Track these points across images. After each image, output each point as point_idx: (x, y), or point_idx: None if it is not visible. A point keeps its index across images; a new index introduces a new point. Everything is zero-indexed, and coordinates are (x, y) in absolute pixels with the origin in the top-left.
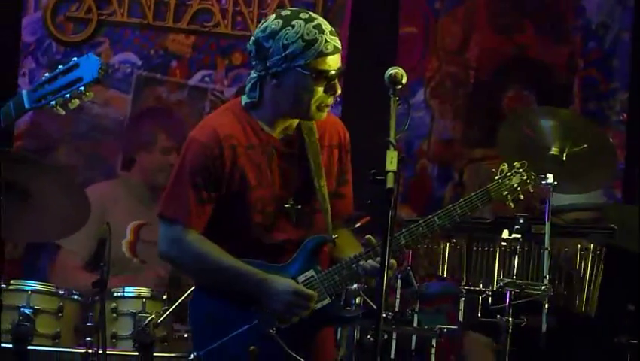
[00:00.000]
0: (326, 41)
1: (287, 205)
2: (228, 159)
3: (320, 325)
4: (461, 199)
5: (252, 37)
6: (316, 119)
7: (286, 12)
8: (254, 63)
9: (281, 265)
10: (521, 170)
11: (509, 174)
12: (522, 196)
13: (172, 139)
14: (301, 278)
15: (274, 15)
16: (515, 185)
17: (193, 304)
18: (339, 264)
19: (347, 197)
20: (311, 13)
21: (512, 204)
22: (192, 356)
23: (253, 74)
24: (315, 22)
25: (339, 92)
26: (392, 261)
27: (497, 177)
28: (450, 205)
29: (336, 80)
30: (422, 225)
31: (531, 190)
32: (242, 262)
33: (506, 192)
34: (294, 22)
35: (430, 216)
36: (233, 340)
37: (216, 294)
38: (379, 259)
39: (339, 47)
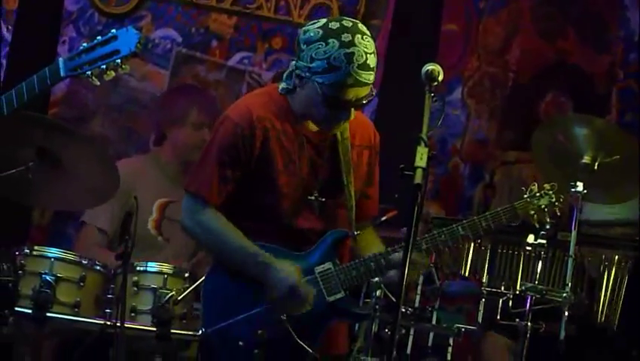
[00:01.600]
0: (349, 74)
1: (311, 197)
2: (258, 140)
3: (330, 318)
4: (487, 213)
5: (299, 31)
6: (325, 130)
7: (333, 25)
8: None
9: (301, 254)
10: (551, 192)
11: (538, 194)
12: (548, 219)
13: (204, 114)
14: (318, 269)
15: (324, 21)
16: (543, 206)
17: (208, 280)
18: (358, 260)
19: (373, 198)
20: (358, 35)
21: (537, 225)
22: (200, 332)
23: (292, 62)
24: (350, 50)
25: (351, 117)
26: (426, 260)
27: (525, 196)
28: (476, 217)
29: (352, 108)
30: (444, 233)
31: (559, 214)
32: (255, 245)
33: (533, 212)
34: (329, 41)
35: (454, 225)
36: (243, 321)
37: (231, 273)
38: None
39: (366, 82)
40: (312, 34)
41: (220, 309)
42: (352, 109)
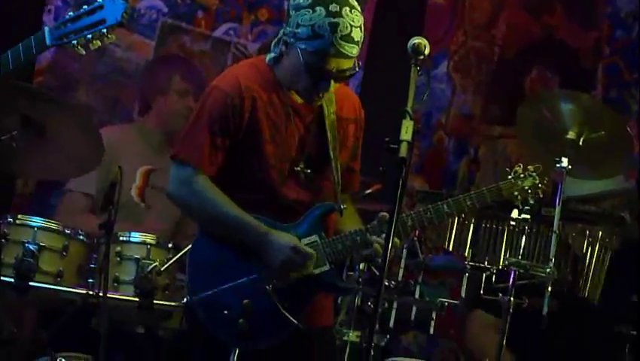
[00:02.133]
0: (331, 43)
1: (297, 168)
2: (247, 110)
3: (316, 291)
4: (472, 192)
5: None
6: (305, 101)
7: None
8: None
9: (288, 225)
10: (534, 173)
11: (522, 175)
12: (532, 201)
13: (187, 81)
14: (305, 241)
15: None
16: (526, 187)
17: (194, 248)
18: (344, 234)
19: (356, 172)
20: (345, 7)
21: (520, 205)
22: (185, 299)
23: (281, 31)
24: (335, 20)
25: (330, 89)
26: (396, 240)
27: (510, 177)
28: (461, 195)
29: (332, 80)
30: (430, 210)
31: (542, 195)
32: (248, 214)
33: (516, 193)
34: (317, 8)
35: (439, 203)
36: (229, 290)
37: (218, 242)
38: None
39: (348, 54)
40: (301, 1)
41: (206, 277)
42: (332, 81)
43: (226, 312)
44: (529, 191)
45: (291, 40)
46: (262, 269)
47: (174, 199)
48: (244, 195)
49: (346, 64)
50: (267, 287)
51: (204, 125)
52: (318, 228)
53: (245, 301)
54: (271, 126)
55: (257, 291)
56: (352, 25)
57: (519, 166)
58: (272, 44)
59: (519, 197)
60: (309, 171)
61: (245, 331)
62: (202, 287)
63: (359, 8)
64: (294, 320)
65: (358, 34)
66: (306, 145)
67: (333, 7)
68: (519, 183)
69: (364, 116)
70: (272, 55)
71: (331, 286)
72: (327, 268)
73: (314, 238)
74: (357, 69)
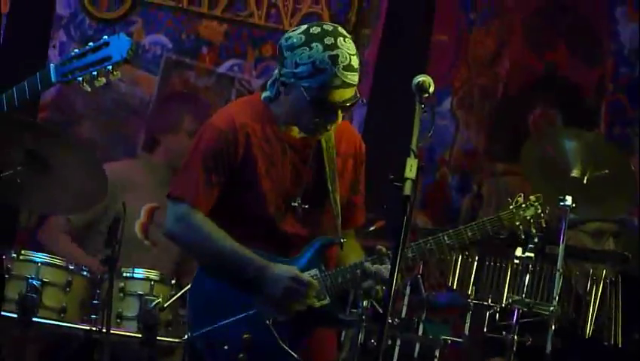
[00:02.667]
0: (335, 75)
1: (294, 203)
2: (242, 146)
3: (317, 324)
4: (473, 223)
5: (280, 40)
6: (311, 136)
7: (314, 30)
8: (277, 63)
9: (287, 260)
10: (537, 203)
11: (524, 205)
12: (534, 230)
13: (198, 122)
14: (305, 276)
15: (305, 27)
16: (528, 217)
17: (194, 285)
18: (344, 267)
19: (359, 207)
20: (339, 39)
21: (523, 236)
22: (186, 336)
23: (275, 71)
24: (334, 52)
25: (339, 120)
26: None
27: (511, 207)
28: (462, 227)
29: (339, 111)
30: (430, 242)
31: (544, 225)
32: (246, 248)
33: (518, 223)
34: (313, 45)
35: (440, 234)
36: (229, 325)
37: (218, 278)
38: (386, 265)
39: (351, 83)
40: (294, 40)
41: (206, 313)
42: (339, 112)
43: (226, 347)
44: (531, 221)
45: (291, 80)
46: (262, 303)
47: (171, 236)
48: (242, 230)
49: (349, 93)
50: (267, 322)
51: (198, 163)
52: (317, 261)
53: (246, 335)
54: (266, 161)
55: (257, 325)
56: (349, 54)
57: (520, 196)
58: (268, 84)
59: (520, 227)
60: (306, 206)
61: None
62: (202, 323)
63: (349, 36)
64: (294, 354)
65: (356, 62)
66: (303, 180)
67: (329, 40)
68: (521, 212)
69: (367, 152)
70: (267, 94)
71: (332, 319)
72: (327, 301)
73: (314, 271)
74: (358, 97)
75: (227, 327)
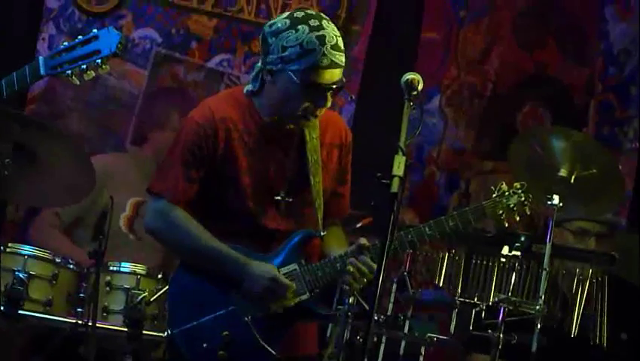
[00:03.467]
0: (323, 54)
1: (277, 197)
2: (222, 140)
3: (296, 319)
4: (455, 212)
5: (263, 28)
6: (299, 125)
7: (298, 14)
8: (260, 54)
9: (265, 255)
10: (520, 191)
11: (507, 193)
12: (518, 218)
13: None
14: (283, 270)
15: (287, 13)
16: (512, 205)
17: (174, 281)
18: (323, 261)
19: (344, 197)
20: (324, 21)
21: (506, 224)
22: (165, 333)
23: (257, 64)
24: (320, 33)
25: (328, 104)
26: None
27: (494, 195)
28: (442, 217)
29: (328, 93)
30: (411, 232)
31: (528, 212)
32: (226, 245)
33: (501, 212)
34: (299, 27)
35: (421, 225)
36: (208, 322)
37: (197, 274)
38: (362, 257)
39: (340, 63)
40: (279, 25)
41: (185, 310)
42: (329, 95)
43: (205, 344)
44: (514, 209)
45: (278, 66)
46: (241, 300)
47: (151, 232)
48: (222, 225)
49: (338, 74)
50: (246, 318)
51: (178, 158)
52: (297, 256)
53: (225, 332)
54: (248, 156)
55: (236, 322)
56: (335, 35)
57: (503, 184)
58: (251, 77)
59: (503, 216)
60: (289, 199)
61: None
62: (182, 319)
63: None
64: (272, 351)
65: (341, 43)
66: (286, 173)
67: (314, 22)
68: (504, 201)
69: (355, 148)
70: (250, 87)
71: (311, 313)
72: (306, 296)
73: (293, 266)
74: (344, 81)
75: (206, 324)
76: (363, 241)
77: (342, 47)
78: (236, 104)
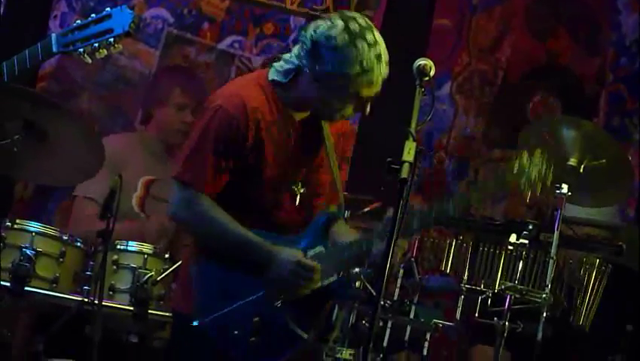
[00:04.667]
0: (380, 73)
1: (294, 187)
2: (252, 131)
3: (325, 301)
4: (477, 181)
5: (312, 35)
6: (329, 121)
7: (354, 26)
8: (300, 54)
9: (292, 239)
10: (541, 161)
11: (528, 163)
12: (539, 190)
13: (187, 96)
14: (310, 253)
15: (342, 23)
16: (533, 176)
17: (199, 270)
18: (349, 242)
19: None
20: (375, 31)
21: (527, 200)
22: (196, 322)
23: (293, 60)
24: (377, 50)
25: (367, 112)
26: (402, 242)
27: (516, 166)
28: (462, 193)
29: (369, 103)
30: (435, 208)
31: (549, 184)
32: (252, 232)
33: (523, 180)
34: (358, 44)
35: (442, 202)
36: (238, 310)
37: (223, 262)
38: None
39: (385, 77)
40: (338, 41)
41: (214, 299)
42: (368, 104)
43: (236, 332)
44: (536, 180)
45: (331, 78)
46: (269, 286)
47: (178, 221)
48: (239, 214)
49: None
50: (276, 303)
51: (209, 147)
52: (322, 238)
53: (256, 319)
54: (274, 147)
55: (266, 308)
56: (384, 49)
57: (524, 155)
58: (284, 68)
59: (525, 185)
60: (303, 190)
61: (258, 348)
62: (211, 308)
63: None
64: (303, 335)
65: (387, 53)
66: (303, 163)
67: (370, 37)
68: (526, 171)
69: (366, 134)
70: (279, 78)
71: (341, 294)
72: (334, 278)
73: (319, 248)
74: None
75: (236, 311)
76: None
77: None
78: (263, 93)
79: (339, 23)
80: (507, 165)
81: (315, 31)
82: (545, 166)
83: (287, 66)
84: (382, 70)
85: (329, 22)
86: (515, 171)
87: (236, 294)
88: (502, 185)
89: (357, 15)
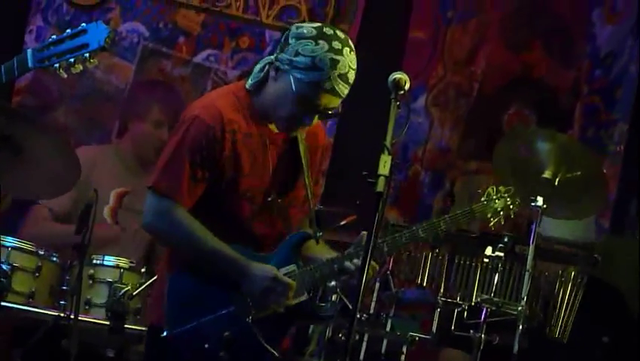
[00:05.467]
0: (329, 78)
1: (269, 198)
2: (228, 142)
3: (294, 320)
4: (447, 216)
5: (290, 29)
6: (282, 130)
7: (328, 30)
8: (277, 49)
9: (265, 255)
10: (506, 195)
11: (494, 197)
12: (502, 221)
13: (165, 113)
14: (282, 271)
15: (320, 24)
16: (499, 208)
17: (173, 281)
18: (321, 262)
19: (316, 196)
20: (346, 48)
21: (493, 228)
22: (165, 333)
23: (267, 57)
24: (337, 57)
25: (311, 124)
26: (374, 264)
27: (483, 199)
28: (435, 220)
29: (317, 116)
30: (405, 235)
31: (512, 216)
32: (227, 246)
33: (489, 215)
34: (320, 42)
35: (414, 227)
36: (209, 323)
37: (197, 274)
38: (357, 260)
39: (341, 93)
40: (304, 31)
41: (185, 311)
42: (316, 117)
43: (207, 345)
44: (501, 213)
45: (285, 66)
46: (242, 301)
47: (152, 231)
48: (215, 227)
49: (335, 102)
50: (247, 319)
51: (185, 157)
52: (295, 257)
53: (226, 333)
54: (250, 158)
55: (237, 323)
56: (350, 67)
57: (492, 188)
58: (258, 68)
59: (492, 218)
60: (280, 200)
61: None
62: (182, 320)
63: (354, 51)
64: (274, 352)
65: (352, 77)
66: (280, 174)
67: (336, 45)
68: (492, 204)
69: (341, 147)
70: (254, 80)
71: (310, 315)
72: (305, 297)
73: (292, 267)
74: (339, 111)
75: (206, 325)
76: (363, 233)
77: (351, 81)
78: (239, 105)
79: (318, 23)
80: (475, 200)
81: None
82: (510, 200)
83: (261, 64)
84: (335, 78)
85: (312, 22)
86: (482, 206)
87: (208, 307)
88: (470, 217)
89: (343, 32)
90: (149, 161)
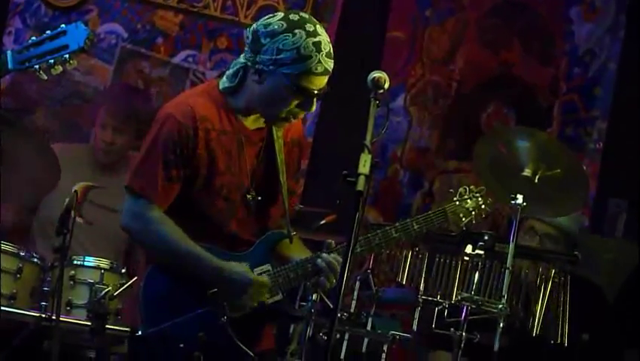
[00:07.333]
0: (319, 62)
1: (248, 196)
2: (201, 140)
3: (268, 320)
4: (419, 216)
5: (253, 26)
6: (278, 126)
7: (294, 17)
8: (245, 50)
9: (240, 255)
10: (478, 195)
11: (466, 197)
12: (474, 221)
13: (109, 115)
14: (257, 270)
15: (282, 15)
16: (470, 208)
17: (148, 281)
18: (295, 262)
19: (296, 194)
20: (318, 26)
21: (464, 228)
22: (140, 332)
23: (240, 60)
24: (317, 39)
25: (313, 110)
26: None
27: (455, 199)
28: (408, 220)
29: (314, 99)
30: (378, 235)
31: (484, 215)
32: (201, 247)
33: (462, 214)
34: (296, 31)
35: (387, 227)
36: (184, 323)
37: (173, 275)
38: (333, 255)
39: (330, 70)
40: (275, 27)
41: (161, 311)
42: (315, 100)
43: (182, 345)
44: (473, 212)
45: (270, 67)
46: (216, 301)
47: (128, 232)
48: (190, 225)
49: (325, 81)
50: (222, 319)
51: (158, 156)
52: (269, 257)
53: (201, 333)
54: (225, 156)
55: (211, 323)
56: (328, 42)
57: (464, 189)
58: (230, 73)
59: (463, 219)
60: (259, 198)
61: None
62: (157, 319)
63: None
64: (249, 351)
65: (331, 50)
66: (257, 172)
67: (309, 27)
68: (464, 204)
69: (321, 146)
70: (228, 84)
71: (284, 315)
72: (279, 297)
73: (266, 267)
74: (327, 87)
75: (182, 324)
76: (330, 241)
77: (333, 54)
78: (213, 103)
79: (279, 14)
80: (447, 200)
81: (256, 23)
82: (482, 200)
83: (234, 68)
84: (323, 59)
85: (270, 15)
86: (454, 206)
87: (183, 307)
88: (443, 218)
89: (300, 12)
90: (103, 163)
